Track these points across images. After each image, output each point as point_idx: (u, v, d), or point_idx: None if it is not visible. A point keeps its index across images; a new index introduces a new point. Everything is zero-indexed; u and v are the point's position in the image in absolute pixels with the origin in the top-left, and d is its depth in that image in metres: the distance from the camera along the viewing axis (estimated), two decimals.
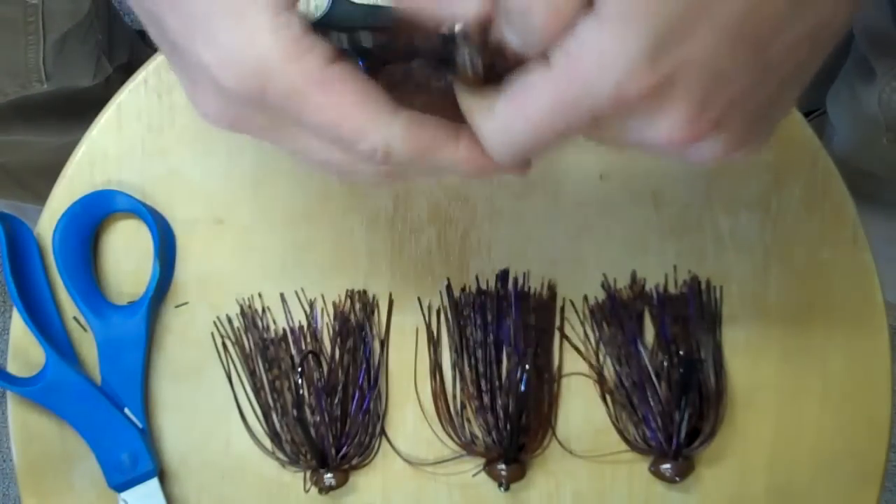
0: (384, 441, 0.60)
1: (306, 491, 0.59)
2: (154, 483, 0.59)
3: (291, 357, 0.59)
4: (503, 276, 0.60)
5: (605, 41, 0.31)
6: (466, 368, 0.59)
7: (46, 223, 0.60)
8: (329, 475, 0.58)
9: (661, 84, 0.32)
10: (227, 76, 0.35)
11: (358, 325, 0.60)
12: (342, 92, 0.35)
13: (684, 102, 0.33)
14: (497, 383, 0.58)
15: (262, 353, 0.59)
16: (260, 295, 0.60)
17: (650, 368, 0.58)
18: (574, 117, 0.33)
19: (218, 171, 0.60)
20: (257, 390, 0.59)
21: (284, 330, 0.60)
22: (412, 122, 0.36)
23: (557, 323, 0.60)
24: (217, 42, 0.34)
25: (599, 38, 0.32)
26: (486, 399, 0.58)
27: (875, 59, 0.75)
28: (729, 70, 0.33)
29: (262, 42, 0.34)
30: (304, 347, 0.60)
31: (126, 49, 0.97)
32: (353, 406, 0.59)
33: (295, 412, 0.58)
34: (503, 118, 0.35)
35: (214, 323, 0.60)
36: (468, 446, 0.59)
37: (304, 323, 0.60)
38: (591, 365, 0.60)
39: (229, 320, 0.60)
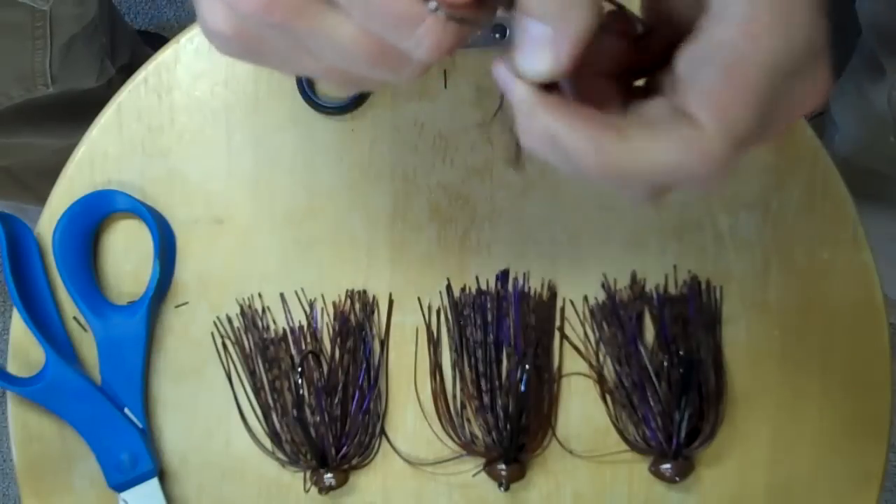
0: (384, 441, 0.60)
1: (306, 491, 0.59)
2: (154, 483, 0.59)
3: (291, 357, 0.59)
4: (503, 276, 0.60)
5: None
6: (466, 368, 0.59)
7: (46, 223, 0.60)
8: (329, 475, 0.58)
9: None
10: None
11: (358, 325, 0.60)
12: None
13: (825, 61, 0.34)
14: (497, 383, 0.58)
15: (262, 353, 0.60)
16: (260, 295, 0.60)
17: (650, 368, 0.58)
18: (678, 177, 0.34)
19: (218, 171, 0.60)
20: (257, 390, 0.59)
21: (284, 330, 0.60)
22: None
23: (557, 323, 0.60)
24: None
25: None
26: (486, 399, 0.58)
27: (884, 56, 0.75)
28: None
29: None
30: (304, 347, 0.60)
31: (128, 50, 0.97)
32: (353, 406, 0.59)
33: (295, 412, 0.58)
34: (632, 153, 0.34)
35: (214, 323, 0.60)
36: (468, 446, 0.59)
37: (304, 323, 0.60)
38: (591, 365, 0.60)
39: (229, 320, 0.60)
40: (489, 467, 0.59)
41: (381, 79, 0.36)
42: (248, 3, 0.33)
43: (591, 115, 0.34)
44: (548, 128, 0.34)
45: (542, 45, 0.33)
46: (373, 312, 0.60)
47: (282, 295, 0.60)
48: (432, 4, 0.33)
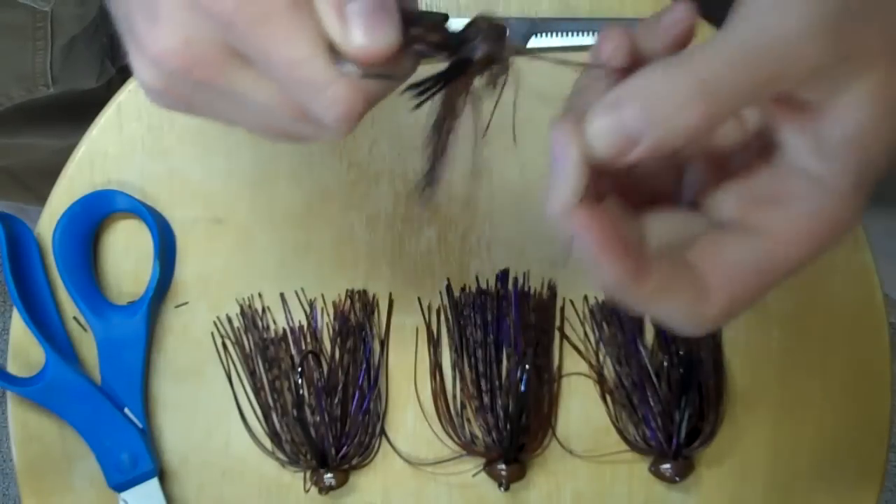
0: (384, 441, 0.60)
1: (306, 491, 0.59)
2: (154, 483, 0.59)
3: (291, 357, 0.59)
4: (503, 276, 0.60)
5: None
6: (466, 368, 0.59)
7: (46, 223, 0.60)
8: (329, 475, 0.58)
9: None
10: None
11: (358, 325, 0.60)
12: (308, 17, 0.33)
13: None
14: (497, 383, 0.58)
15: (262, 353, 0.60)
16: (260, 295, 0.60)
17: (650, 368, 0.58)
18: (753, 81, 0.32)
19: (218, 171, 0.60)
20: (257, 390, 0.59)
21: (284, 330, 0.60)
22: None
23: (557, 323, 0.60)
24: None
25: None
26: (486, 399, 0.58)
27: None
28: None
29: None
30: (304, 347, 0.60)
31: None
32: (353, 406, 0.59)
33: (295, 412, 0.58)
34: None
35: (214, 323, 0.60)
36: (468, 446, 0.59)
37: (304, 323, 0.60)
38: (591, 365, 0.60)
39: (229, 320, 0.60)
40: (489, 467, 0.59)
41: (310, 135, 0.37)
42: (170, 62, 0.34)
43: (617, 240, 0.33)
44: (583, 236, 0.33)
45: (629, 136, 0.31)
46: (373, 312, 0.60)
47: (282, 295, 0.60)
48: (347, 67, 0.33)
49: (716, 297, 0.35)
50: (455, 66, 0.36)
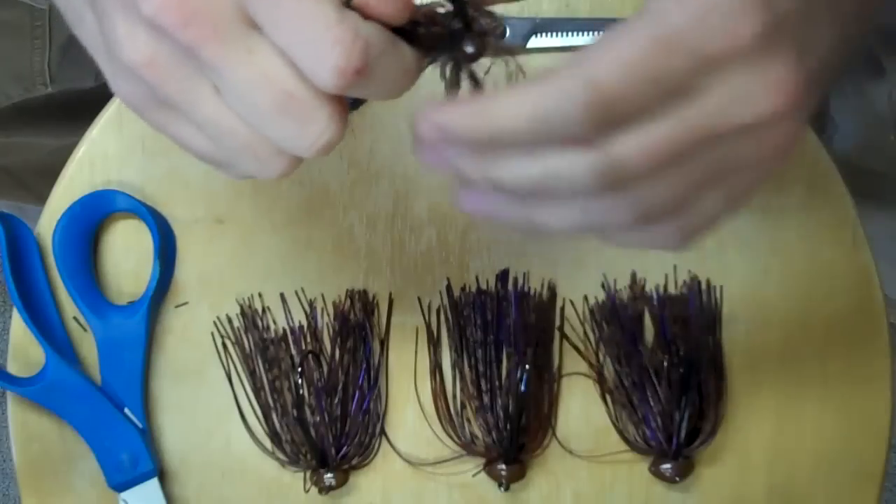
0: (384, 441, 0.60)
1: (306, 491, 0.59)
2: (154, 483, 0.59)
3: (291, 357, 0.59)
4: (503, 276, 0.60)
5: None
6: (466, 368, 0.59)
7: (46, 223, 0.60)
8: (329, 475, 0.58)
9: (769, 30, 0.31)
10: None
11: (358, 325, 0.60)
12: None
13: (791, 54, 0.32)
14: (497, 383, 0.58)
15: (262, 353, 0.59)
16: (260, 295, 0.60)
17: (650, 368, 0.58)
18: (669, 66, 0.31)
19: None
20: (257, 390, 0.59)
21: (284, 330, 0.60)
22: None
23: (557, 323, 0.60)
24: None
25: None
26: (486, 399, 0.58)
27: (885, 55, 0.75)
28: (816, 26, 0.32)
29: None
30: (304, 347, 0.60)
31: None
32: (353, 406, 0.59)
33: (295, 412, 0.58)
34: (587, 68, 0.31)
35: (214, 323, 0.60)
36: (468, 446, 0.59)
37: (304, 323, 0.60)
38: (591, 365, 0.60)
39: (229, 320, 0.60)
40: (489, 467, 0.59)
41: (285, 134, 0.35)
42: (167, 17, 0.32)
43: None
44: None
45: None
46: (373, 312, 0.60)
47: (282, 295, 0.60)
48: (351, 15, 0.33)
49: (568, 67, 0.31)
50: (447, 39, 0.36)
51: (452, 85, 0.37)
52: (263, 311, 0.60)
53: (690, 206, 0.34)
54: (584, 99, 0.31)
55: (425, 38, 0.36)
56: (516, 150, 0.33)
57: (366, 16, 0.33)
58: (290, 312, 0.60)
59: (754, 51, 0.31)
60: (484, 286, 0.60)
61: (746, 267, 0.60)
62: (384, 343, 0.60)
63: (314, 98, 0.34)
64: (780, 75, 0.32)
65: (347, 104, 0.35)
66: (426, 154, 0.35)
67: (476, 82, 0.37)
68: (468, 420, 0.59)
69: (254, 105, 0.34)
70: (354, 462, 0.59)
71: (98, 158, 0.60)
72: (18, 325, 0.60)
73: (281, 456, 0.59)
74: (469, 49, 0.36)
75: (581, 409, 0.60)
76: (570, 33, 0.59)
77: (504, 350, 0.59)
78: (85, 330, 0.60)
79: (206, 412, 0.60)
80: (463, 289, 0.60)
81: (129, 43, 0.34)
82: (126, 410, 0.59)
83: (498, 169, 0.34)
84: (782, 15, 0.31)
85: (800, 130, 0.34)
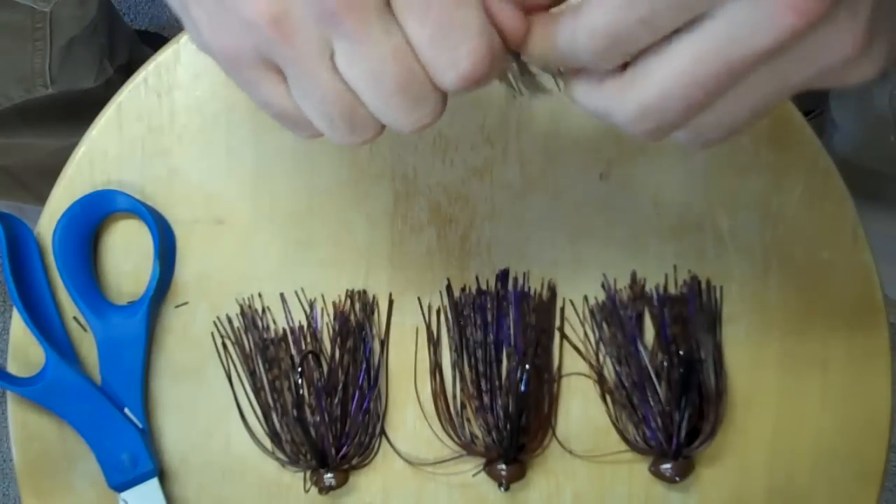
0: (384, 441, 0.60)
1: (306, 491, 0.59)
2: (154, 483, 0.59)
3: (291, 357, 0.59)
4: (503, 276, 0.60)
5: None
6: (466, 368, 0.59)
7: (46, 223, 0.60)
8: (329, 475, 0.58)
9: None
10: None
11: (358, 325, 0.60)
12: None
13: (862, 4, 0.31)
14: (497, 383, 0.58)
15: (262, 353, 0.60)
16: (260, 295, 0.60)
17: (650, 368, 0.58)
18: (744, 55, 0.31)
19: (218, 171, 0.60)
20: (257, 390, 0.59)
21: (284, 330, 0.60)
22: None
23: (557, 323, 0.60)
24: None
25: None
26: (486, 399, 0.58)
27: None
28: None
29: None
30: (304, 347, 0.60)
31: (126, 50, 0.97)
32: (353, 406, 0.59)
33: (295, 412, 0.58)
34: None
35: (214, 323, 0.60)
36: (468, 446, 0.59)
37: (304, 323, 0.60)
38: (591, 365, 0.60)
39: (229, 320, 0.60)
40: (489, 467, 0.59)
41: (358, 126, 0.36)
42: None
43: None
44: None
45: None
46: (373, 312, 0.60)
47: (282, 295, 0.60)
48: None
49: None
50: None
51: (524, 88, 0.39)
52: (263, 311, 0.60)
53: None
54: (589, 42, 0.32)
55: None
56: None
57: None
58: (290, 312, 0.60)
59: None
60: (484, 286, 0.60)
61: (746, 267, 0.60)
62: (384, 343, 0.60)
63: (432, 82, 0.34)
64: (855, 26, 0.31)
65: None
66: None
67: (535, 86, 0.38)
68: (468, 420, 0.59)
69: (378, 80, 0.34)
70: (354, 462, 0.59)
71: (98, 158, 0.60)
72: (18, 325, 0.60)
73: (281, 456, 0.59)
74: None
75: (581, 409, 0.60)
76: None
77: (504, 350, 0.59)
78: (85, 330, 0.60)
79: (206, 412, 0.60)
80: (463, 289, 0.60)
81: None
82: (126, 410, 0.59)
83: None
84: None
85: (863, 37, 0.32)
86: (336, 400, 0.58)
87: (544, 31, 0.34)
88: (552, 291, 0.60)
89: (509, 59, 0.36)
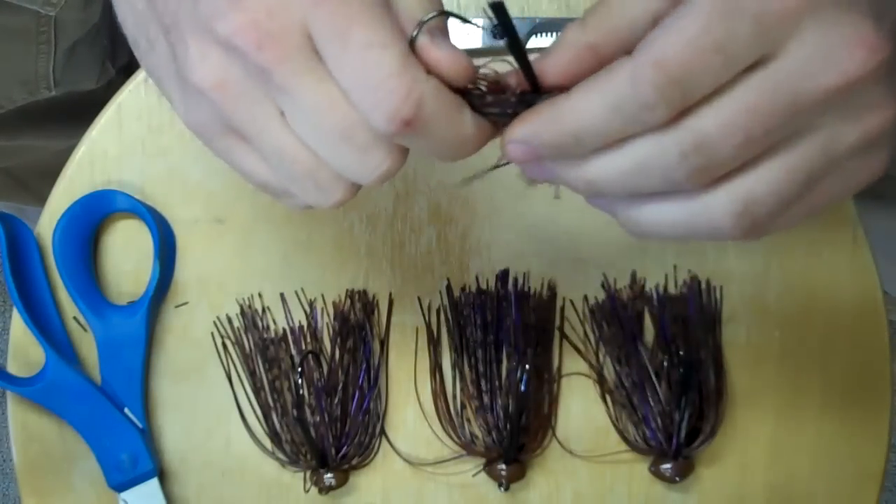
0: (384, 441, 0.60)
1: (306, 491, 0.59)
2: (154, 483, 0.59)
3: (291, 357, 0.59)
4: (503, 276, 0.60)
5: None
6: (466, 368, 0.59)
7: (46, 223, 0.60)
8: (329, 475, 0.58)
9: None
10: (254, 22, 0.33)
11: (358, 325, 0.60)
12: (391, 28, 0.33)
13: (864, 8, 0.31)
14: (497, 383, 0.58)
15: (262, 353, 0.60)
16: (260, 295, 0.60)
17: (650, 368, 0.58)
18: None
19: (218, 171, 0.60)
20: (257, 390, 0.59)
21: (284, 330, 0.60)
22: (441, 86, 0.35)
23: (557, 323, 0.60)
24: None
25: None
26: (486, 399, 0.58)
27: None
28: None
29: None
30: (304, 347, 0.60)
31: (127, 51, 0.97)
32: (353, 406, 0.59)
33: (295, 412, 0.58)
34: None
35: (214, 323, 0.60)
36: (468, 446, 0.59)
37: (304, 323, 0.60)
38: (591, 365, 0.60)
39: (229, 320, 0.60)
40: (489, 467, 0.59)
41: (347, 163, 0.36)
42: (243, 38, 0.33)
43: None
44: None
45: None
46: (373, 312, 0.60)
47: (282, 295, 0.60)
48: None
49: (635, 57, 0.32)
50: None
51: None
52: (263, 311, 0.60)
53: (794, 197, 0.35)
54: (653, 79, 0.31)
55: (493, 106, 0.37)
56: (603, 146, 0.34)
57: (429, 71, 0.34)
58: (290, 312, 0.60)
59: (824, 6, 0.31)
60: (484, 286, 0.60)
61: (746, 267, 0.60)
62: (384, 343, 0.60)
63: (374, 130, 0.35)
64: (860, 30, 0.31)
65: None
66: (528, 170, 0.38)
67: None
68: (468, 420, 0.59)
69: (319, 130, 0.35)
70: (354, 462, 0.59)
71: (98, 158, 0.60)
72: (18, 325, 0.60)
73: (281, 456, 0.59)
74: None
75: (581, 409, 0.60)
76: None
77: (504, 350, 0.59)
78: (85, 330, 0.60)
79: (205, 412, 0.60)
80: (463, 289, 0.60)
81: (202, 64, 0.35)
82: (126, 410, 0.59)
83: (593, 168, 0.35)
84: None
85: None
86: (336, 400, 0.58)
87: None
88: (552, 291, 0.60)
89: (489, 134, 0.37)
